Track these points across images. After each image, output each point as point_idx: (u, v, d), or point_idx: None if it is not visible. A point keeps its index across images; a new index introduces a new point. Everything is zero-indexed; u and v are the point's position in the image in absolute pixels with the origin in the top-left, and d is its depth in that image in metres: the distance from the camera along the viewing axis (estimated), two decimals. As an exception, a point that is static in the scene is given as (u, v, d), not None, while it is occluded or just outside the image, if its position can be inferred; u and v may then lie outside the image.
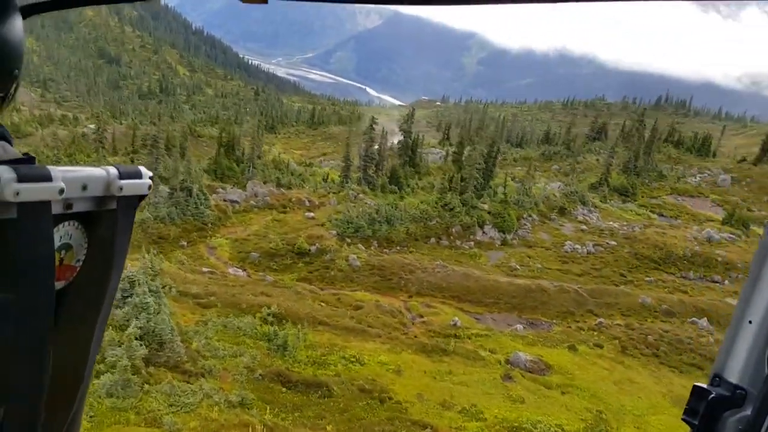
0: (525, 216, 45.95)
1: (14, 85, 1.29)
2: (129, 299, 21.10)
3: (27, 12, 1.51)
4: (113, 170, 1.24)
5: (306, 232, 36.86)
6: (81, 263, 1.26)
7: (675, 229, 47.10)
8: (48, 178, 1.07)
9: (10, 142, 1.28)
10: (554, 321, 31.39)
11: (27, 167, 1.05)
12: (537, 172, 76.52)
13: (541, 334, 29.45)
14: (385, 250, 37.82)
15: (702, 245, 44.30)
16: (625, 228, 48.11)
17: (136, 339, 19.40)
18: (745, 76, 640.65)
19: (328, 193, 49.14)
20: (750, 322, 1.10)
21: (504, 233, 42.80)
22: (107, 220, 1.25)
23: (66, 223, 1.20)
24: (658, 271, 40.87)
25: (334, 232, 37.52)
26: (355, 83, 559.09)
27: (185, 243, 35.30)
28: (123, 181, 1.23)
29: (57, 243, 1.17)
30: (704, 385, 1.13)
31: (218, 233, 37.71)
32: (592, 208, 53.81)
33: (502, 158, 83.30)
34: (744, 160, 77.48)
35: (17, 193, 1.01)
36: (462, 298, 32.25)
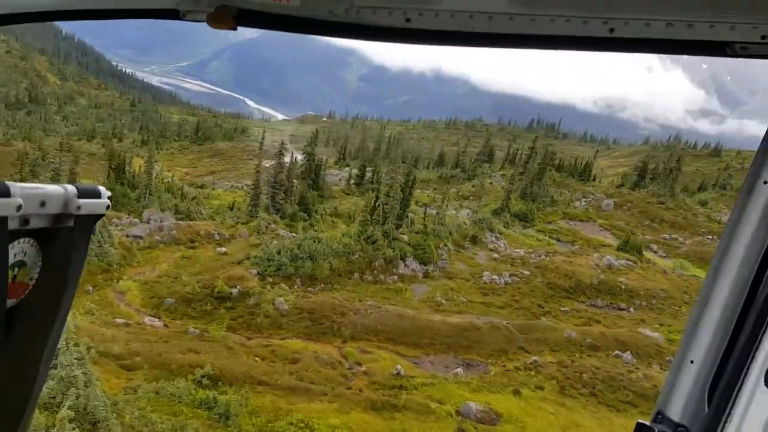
0: (441, 246, 45.80)
1: None
2: (54, 371, 18.10)
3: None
4: (72, 189, 1.22)
5: (223, 272, 34.24)
6: (34, 281, 1.24)
7: (578, 256, 48.93)
8: (6, 193, 1.04)
9: None
10: (490, 360, 31.12)
11: None
12: (436, 194, 77.55)
13: (483, 379, 29.02)
14: (309, 288, 36.00)
15: (605, 272, 46.25)
16: (532, 256, 49.34)
17: (69, 422, 16.58)
18: (600, 99, 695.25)
19: (237, 223, 46.47)
20: (692, 362, 1.15)
21: (425, 265, 42.37)
22: (63, 238, 1.23)
23: (22, 240, 1.18)
24: (569, 300, 42.08)
25: (255, 271, 35.17)
26: (233, 94, 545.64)
27: (90, 288, 31.48)
28: (81, 200, 1.22)
29: (11, 260, 1.15)
30: (647, 423, 1.14)
31: (125, 274, 34.13)
32: (498, 235, 54.83)
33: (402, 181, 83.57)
34: (622, 185, 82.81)
35: None
36: (397, 340, 31.19)
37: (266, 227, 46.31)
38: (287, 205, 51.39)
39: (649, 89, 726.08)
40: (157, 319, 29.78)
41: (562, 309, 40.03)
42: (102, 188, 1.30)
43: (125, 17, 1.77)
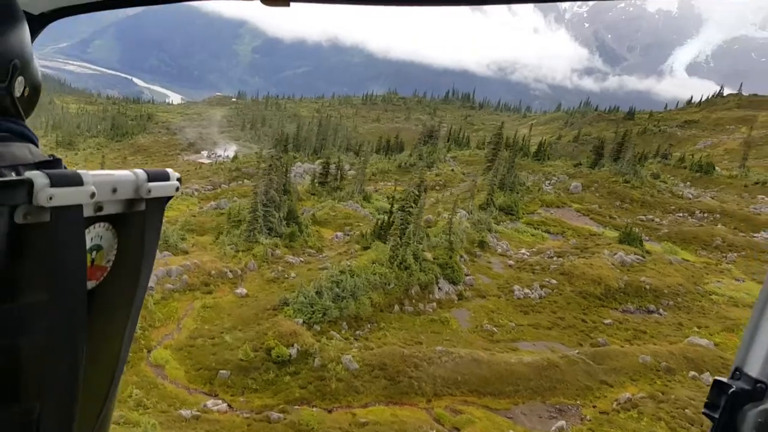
0: (459, 257, 42.96)
1: (18, 78, 1.33)
2: None
3: (51, 17, 1.73)
4: (142, 173, 1.28)
5: (267, 326, 29.66)
6: (111, 263, 1.30)
7: (591, 255, 47.52)
8: (80, 182, 1.10)
9: (35, 144, 1.32)
10: (578, 402, 28.81)
11: (59, 172, 1.08)
12: (401, 186, 74.33)
13: (583, 429, 26.70)
14: (358, 332, 32.09)
15: (625, 273, 45.18)
16: (545, 258, 47.56)
17: None
18: (492, 63, 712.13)
19: (237, 252, 41.35)
20: None
21: (455, 284, 39.32)
22: (136, 221, 1.29)
23: (97, 225, 1.24)
24: (605, 309, 40.59)
25: (300, 320, 30.79)
26: (119, 74, 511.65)
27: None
28: (151, 184, 1.27)
29: (88, 244, 1.22)
30: (725, 379, 1.14)
31: (152, 340, 28.76)
32: (496, 234, 52.74)
33: (358, 172, 79.60)
34: (579, 164, 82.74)
35: (50, 198, 1.04)
36: (481, 391, 28.19)
37: (272, 254, 41.55)
38: (287, 226, 46.56)
39: (536, 50, 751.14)
40: (219, 401, 25.01)
41: (605, 322, 38.42)
42: (170, 170, 1.35)
43: (178, 1, 1.72)
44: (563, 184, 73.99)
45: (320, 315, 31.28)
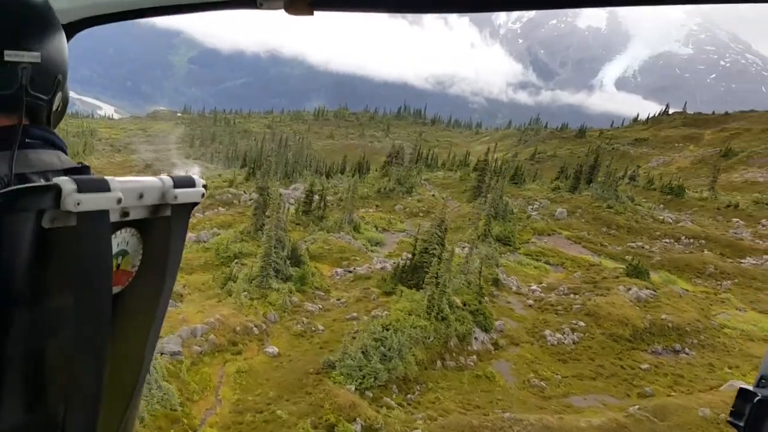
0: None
1: (59, 93, 1.37)
2: None
3: (78, 27, 1.73)
4: (168, 180, 1.29)
5: (325, 398, 26.78)
6: (137, 268, 1.32)
7: (609, 293, 46.50)
8: (106, 188, 1.12)
9: (64, 151, 1.34)
10: (657, 466, 27.32)
11: (87, 178, 1.10)
12: (385, 214, 71.98)
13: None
14: (408, 395, 29.54)
15: (645, 310, 44.37)
16: (560, 295, 46.36)
17: None
18: (431, 76, 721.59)
19: (251, 300, 38.08)
20: None
21: (487, 332, 37.34)
22: (162, 226, 1.31)
23: (123, 230, 1.26)
24: (636, 352, 39.50)
25: (352, 386, 28.02)
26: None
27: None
28: (177, 190, 1.29)
29: (114, 249, 1.23)
30: (750, 387, 1.13)
31: (193, 417, 25.36)
32: (502, 269, 51.20)
33: (338, 198, 76.95)
34: (558, 188, 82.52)
35: (78, 203, 1.06)
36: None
37: (288, 302, 38.47)
38: (282, 262, 43.49)
39: (473, 65, 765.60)
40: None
41: (642, 367, 37.22)
42: (196, 177, 1.36)
43: (203, 10, 1.72)
44: (547, 210, 73.40)
45: (372, 379, 28.64)
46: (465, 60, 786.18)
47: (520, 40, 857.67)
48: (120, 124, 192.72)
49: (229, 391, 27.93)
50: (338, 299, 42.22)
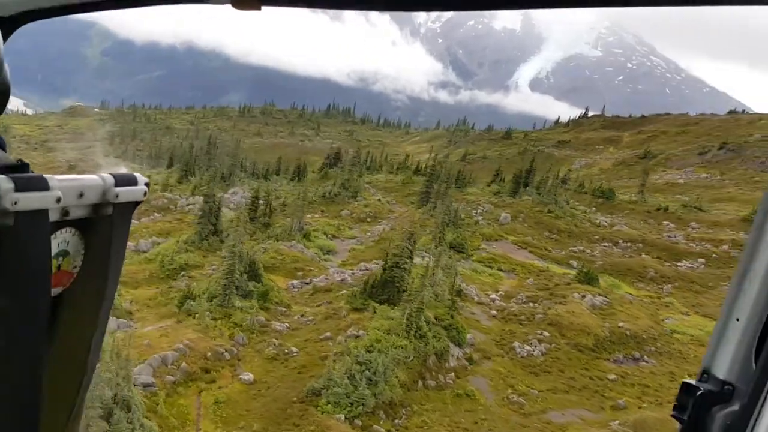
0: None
1: None
2: None
3: (19, 20, 1.71)
4: (109, 177, 1.26)
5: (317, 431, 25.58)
6: (78, 269, 1.28)
7: (566, 301, 47.34)
8: (45, 186, 1.09)
9: (3, 149, 1.31)
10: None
11: (25, 176, 1.07)
12: (334, 220, 70.58)
13: None
14: (396, 420, 28.76)
15: (602, 317, 45.47)
16: (520, 304, 46.88)
17: None
18: (353, 72, 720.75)
19: (215, 320, 36.11)
20: (737, 319, 1.13)
21: (460, 346, 37.09)
22: (104, 226, 1.28)
23: (63, 230, 1.22)
24: (600, 362, 40.37)
25: (341, 415, 26.91)
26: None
27: None
28: (119, 188, 1.27)
29: (55, 250, 1.20)
30: (692, 381, 1.17)
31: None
32: (460, 277, 51.24)
33: (281, 202, 75.06)
34: (499, 192, 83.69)
35: (15, 203, 1.03)
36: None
37: (254, 322, 36.79)
38: (239, 276, 41.67)
39: (395, 63, 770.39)
40: None
41: (610, 378, 38.02)
42: (138, 175, 1.34)
43: (147, 5, 1.71)
44: (491, 215, 74.21)
45: (360, 406, 27.68)
46: (387, 58, 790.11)
47: (440, 40, 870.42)
48: (34, 120, 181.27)
49: (211, 426, 26.26)
50: (302, 315, 40.90)
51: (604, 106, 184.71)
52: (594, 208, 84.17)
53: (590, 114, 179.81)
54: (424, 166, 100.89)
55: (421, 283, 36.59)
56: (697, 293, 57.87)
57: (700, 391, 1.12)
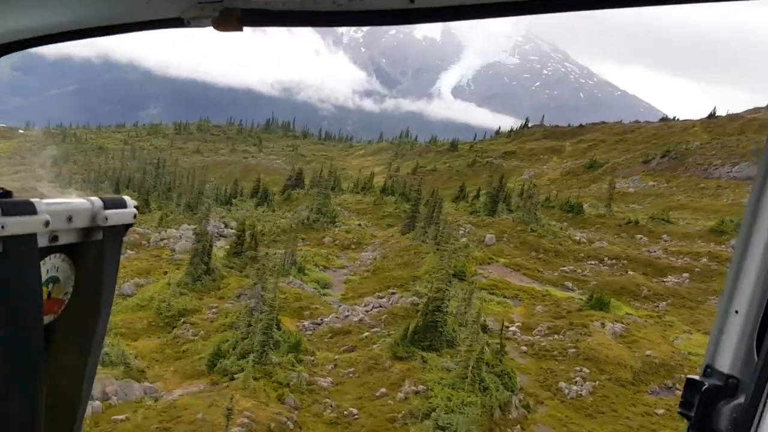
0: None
1: None
2: None
3: (4, 50, 1.72)
4: (97, 201, 1.24)
5: None
6: (69, 296, 1.26)
7: (584, 329, 46.71)
8: (33, 210, 1.07)
9: None
10: None
11: (11, 200, 1.05)
12: (301, 245, 67.56)
13: None
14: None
15: (629, 347, 45.11)
16: (543, 336, 45.94)
17: None
18: (277, 82, 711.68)
19: (256, 380, 32.97)
20: (736, 311, 1.13)
21: (514, 392, 35.44)
22: (94, 250, 1.26)
23: (52, 256, 1.20)
24: (641, 395, 39.86)
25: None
26: None
27: None
28: (108, 211, 1.24)
29: (44, 276, 1.17)
30: (697, 377, 1.17)
31: None
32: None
33: (257, 232, 71.34)
34: (477, 211, 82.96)
35: (2, 227, 1.00)
36: None
37: (301, 380, 33.86)
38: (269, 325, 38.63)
39: (319, 72, 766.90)
40: None
41: (658, 413, 37.51)
42: (127, 198, 1.32)
43: (129, 31, 1.75)
44: (475, 236, 73.34)
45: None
46: (310, 67, 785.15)
47: (363, 49, 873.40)
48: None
49: None
50: (334, 365, 38.28)
51: (543, 116, 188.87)
52: (565, 223, 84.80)
53: (530, 124, 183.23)
54: (390, 184, 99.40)
55: (473, 330, 34.81)
56: (692, 309, 58.71)
57: (705, 386, 1.12)
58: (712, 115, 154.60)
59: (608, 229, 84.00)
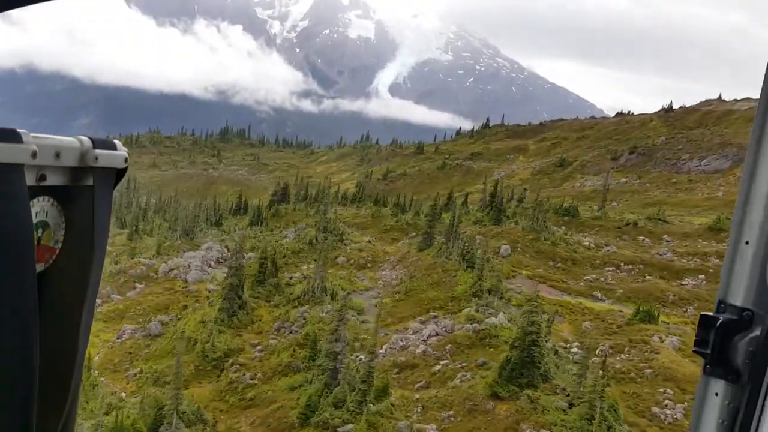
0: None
1: None
2: None
3: None
4: (86, 140, 1.18)
5: None
6: (60, 245, 1.19)
7: (655, 348, 46.02)
8: (18, 139, 0.99)
9: None
10: None
11: None
12: (313, 267, 64.72)
13: None
14: None
15: (694, 362, 44.72)
16: (613, 358, 45.01)
17: None
18: (211, 86, 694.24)
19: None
20: (747, 242, 1.12)
21: (619, 423, 34.26)
22: (84, 196, 1.18)
23: (41, 198, 1.13)
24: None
25: None
26: None
27: None
28: (98, 151, 1.17)
29: (33, 219, 1.09)
30: (710, 313, 1.16)
31: None
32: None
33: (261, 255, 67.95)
34: (482, 221, 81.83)
35: None
36: None
37: (413, 430, 31.54)
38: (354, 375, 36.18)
39: (253, 73, 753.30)
40: None
41: None
42: (117, 141, 1.25)
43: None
44: (488, 247, 71.97)
45: None
46: (245, 69, 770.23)
47: (297, 49, 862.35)
48: None
49: None
50: (422, 406, 36.16)
51: (503, 116, 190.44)
52: (563, 227, 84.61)
53: (491, 124, 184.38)
54: (382, 197, 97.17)
55: (547, 355, 33.36)
56: (720, 312, 59.34)
57: (720, 321, 1.10)
58: (669, 109, 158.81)
59: (608, 232, 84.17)
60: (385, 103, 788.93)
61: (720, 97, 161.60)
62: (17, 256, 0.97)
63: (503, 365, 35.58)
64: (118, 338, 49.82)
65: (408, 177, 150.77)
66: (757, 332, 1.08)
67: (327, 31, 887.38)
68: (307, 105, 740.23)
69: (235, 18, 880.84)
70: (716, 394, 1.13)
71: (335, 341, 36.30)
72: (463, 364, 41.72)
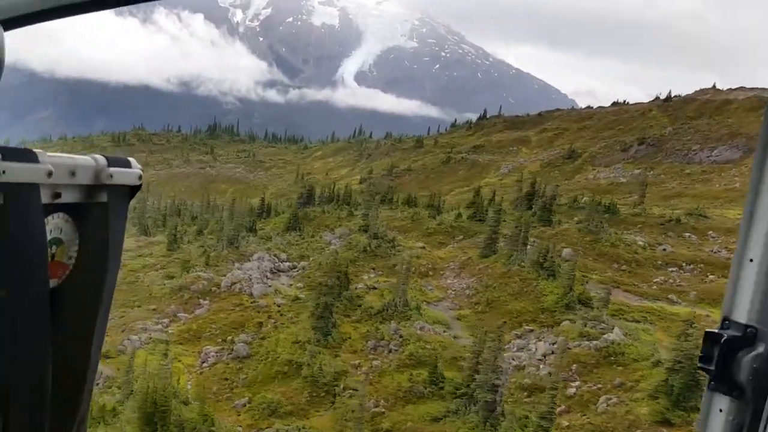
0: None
1: None
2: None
3: (9, 25, 1.64)
4: (101, 158, 1.19)
5: None
6: (74, 261, 1.20)
7: None
8: (34, 159, 1.01)
9: None
10: None
11: (11, 147, 0.99)
12: (375, 276, 61.79)
13: None
14: None
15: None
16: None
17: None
18: (174, 77, 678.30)
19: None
20: (751, 260, 1.12)
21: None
22: (98, 212, 1.19)
23: (55, 215, 1.14)
24: None
25: None
26: None
27: None
28: (112, 169, 1.19)
29: (47, 236, 1.11)
30: (715, 330, 1.17)
31: None
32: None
33: (305, 263, 64.68)
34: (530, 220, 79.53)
35: (3, 172, 0.95)
36: None
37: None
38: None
39: (217, 64, 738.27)
40: None
41: None
42: (132, 159, 1.27)
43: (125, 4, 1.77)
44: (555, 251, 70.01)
45: None
46: (208, 59, 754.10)
47: (261, 38, 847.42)
48: None
49: None
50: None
51: (500, 107, 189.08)
52: (606, 225, 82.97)
53: (488, 115, 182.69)
54: (414, 196, 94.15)
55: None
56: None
57: (724, 338, 1.11)
58: (667, 98, 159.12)
59: (651, 229, 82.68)
60: (351, 92, 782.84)
61: (714, 86, 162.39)
62: (30, 274, 0.98)
63: (666, 389, 33.56)
64: (203, 362, 46.37)
65: (413, 172, 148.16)
66: (760, 349, 1.10)
67: (290, 19, 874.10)
68: (273, 95, 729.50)
69: (196, 6, 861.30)
70: (720, 410, 1.14)
71: (491, 371, 33.59)
72: (599, 386, 39.59)
